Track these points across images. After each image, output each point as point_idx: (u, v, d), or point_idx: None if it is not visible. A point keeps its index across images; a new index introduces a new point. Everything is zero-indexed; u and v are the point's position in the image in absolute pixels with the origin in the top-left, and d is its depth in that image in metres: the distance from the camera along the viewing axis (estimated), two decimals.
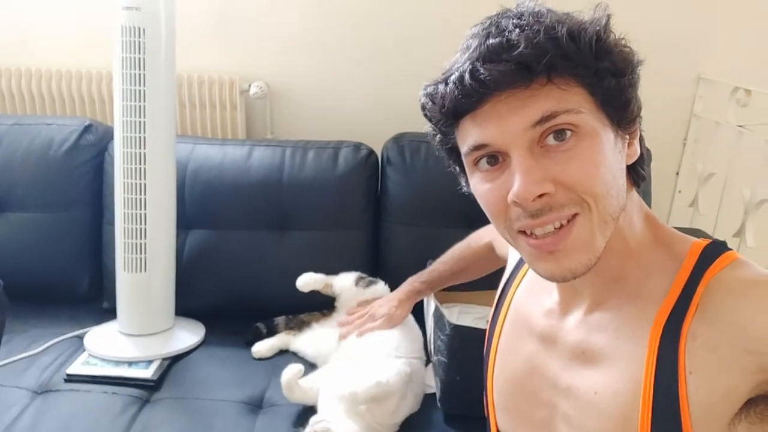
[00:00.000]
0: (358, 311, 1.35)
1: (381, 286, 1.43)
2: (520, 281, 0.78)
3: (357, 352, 1.25)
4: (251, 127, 1.91)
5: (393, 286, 1.38)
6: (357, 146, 1.63)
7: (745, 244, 1.57)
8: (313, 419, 1.10)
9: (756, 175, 1.57)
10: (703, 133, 1.82)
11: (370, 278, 1.45)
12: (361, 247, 1.62)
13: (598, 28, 0.57)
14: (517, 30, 0.56)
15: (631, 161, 0.63)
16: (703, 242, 0.62)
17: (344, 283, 1.44)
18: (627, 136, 0.61)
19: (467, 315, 1.48)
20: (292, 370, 1.18)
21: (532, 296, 0.75)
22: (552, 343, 0.69)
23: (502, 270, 0.89)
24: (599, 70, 0.57)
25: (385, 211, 1.63)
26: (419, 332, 1.39)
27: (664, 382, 0.56)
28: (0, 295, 1.12)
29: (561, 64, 0.56)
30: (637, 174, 0.65)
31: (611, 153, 0.58)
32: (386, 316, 1.27)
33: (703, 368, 0.55)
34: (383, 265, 1.63)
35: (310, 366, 1.36)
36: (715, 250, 0.60)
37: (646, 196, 1.60)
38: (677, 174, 1.91)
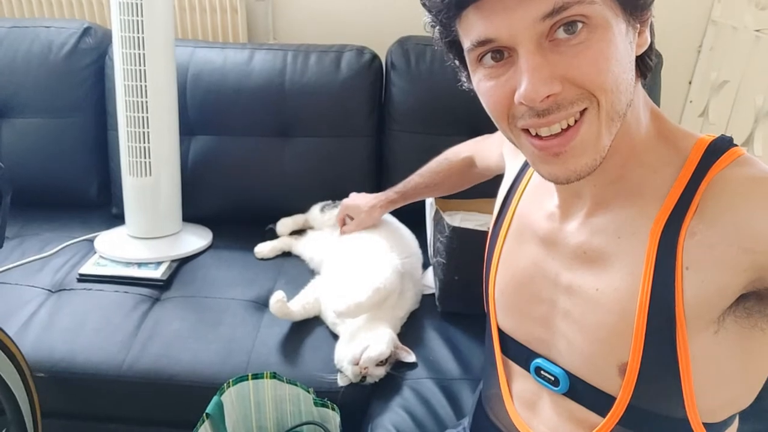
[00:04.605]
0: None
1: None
2: (526, 185, 0.77)
3: (348, 261, 1.30)
4: (253, 31, 1.86)
5: None
6: (360, 50, 1.58)
7: (753, 153, 1.55)
8: (346, 356, 1.11)
9: None
10: (719, 39, 1.76)
11: (333, 204, 1.49)
12: (364, 154, 1.61)
13: None
14: None
15: (640, 51, 0.60)
16: (709, 138, 0.60)
17: (313, 214, 1.52)
18: (638, 25, 0.58)
19: (469, 222, 1.49)
20: (275, 297, 1.20)
21: (535, 200, 0.74)
22: (553, 245, 0.69)
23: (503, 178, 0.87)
24: None
25: (389, 117, 1.60)
26: (410, 235, 1.44)
27: (662, 276, 0.57)
28: (1, 179, 1.12)
29: None
30: (645, 65, 0.62)
31: (622, 45, 0.56)
32: (356, 223, 1.37)
33: (699, 264, 0.56)
34: (387, 173, 1.63)
35: (310, 272, 1.42)
36: (720, 145, 0.59)
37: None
38: (690, 83, 1.87)
